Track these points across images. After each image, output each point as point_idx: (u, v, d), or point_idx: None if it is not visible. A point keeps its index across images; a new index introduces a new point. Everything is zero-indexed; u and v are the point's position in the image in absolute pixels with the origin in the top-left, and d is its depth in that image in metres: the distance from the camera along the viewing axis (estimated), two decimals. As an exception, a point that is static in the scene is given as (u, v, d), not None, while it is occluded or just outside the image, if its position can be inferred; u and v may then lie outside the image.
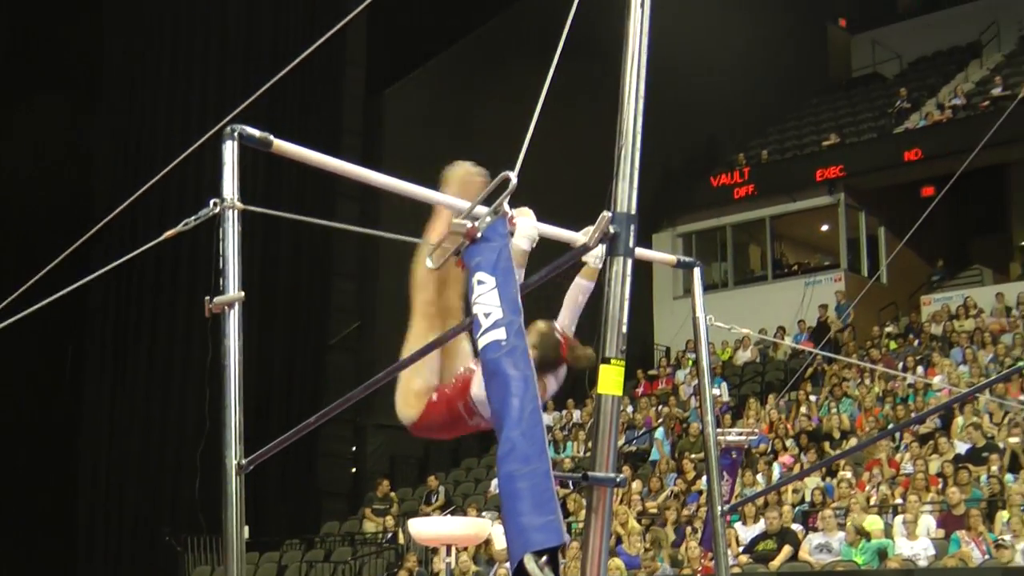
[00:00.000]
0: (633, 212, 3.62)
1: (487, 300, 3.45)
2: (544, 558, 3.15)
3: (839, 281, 28.85)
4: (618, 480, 3.51)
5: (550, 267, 4.11)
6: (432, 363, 5.76)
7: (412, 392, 5.82)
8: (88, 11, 27.94)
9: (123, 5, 28.04)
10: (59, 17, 27.33)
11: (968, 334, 24.07)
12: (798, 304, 28.29)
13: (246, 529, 4.99)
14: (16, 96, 26.95)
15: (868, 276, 28.67)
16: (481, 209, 3.55)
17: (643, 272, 26.48)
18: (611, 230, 3.59)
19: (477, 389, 5.50)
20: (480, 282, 3.48)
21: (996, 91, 29.20)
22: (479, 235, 3.51)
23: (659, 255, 7.87)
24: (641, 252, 5.55)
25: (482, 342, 3.43)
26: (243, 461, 4.89)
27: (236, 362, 4.93)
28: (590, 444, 4.11)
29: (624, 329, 3.56)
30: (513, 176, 3.46)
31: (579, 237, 5.13)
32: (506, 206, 3.51)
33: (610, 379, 3.50)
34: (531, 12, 27.49)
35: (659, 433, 23.54)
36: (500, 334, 3.42)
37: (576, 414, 25.45)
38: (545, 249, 5.09)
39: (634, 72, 3.72)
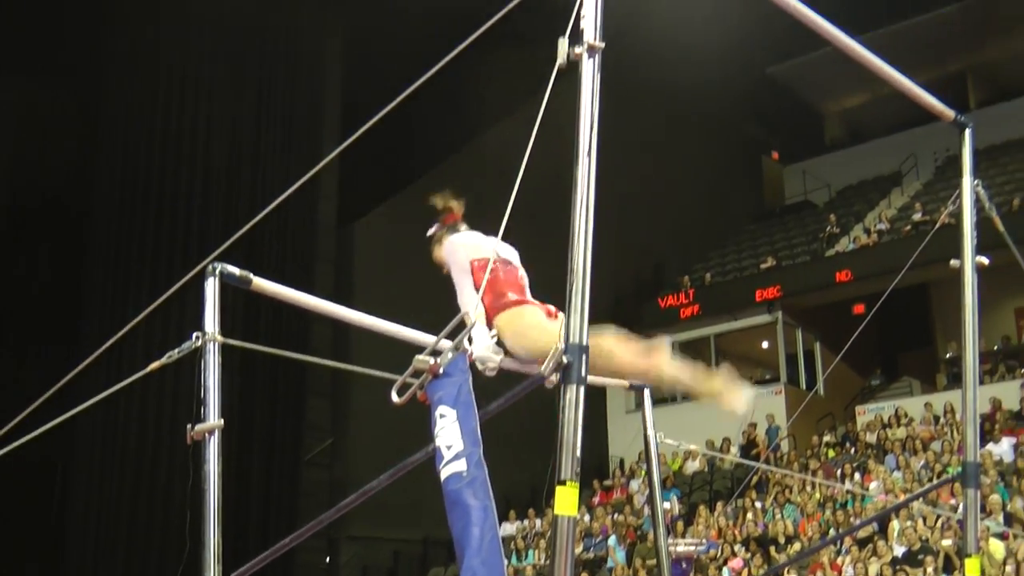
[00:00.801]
0: (585, 343, 3.63)
1: (449, 433, 3.46)
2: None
3: (779, 394, 28.88)
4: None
5: (509, 395, 4.11)
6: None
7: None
8: (78, 150, 28.08)
9: (111, 144, 28.15)
10: (51, 155, 27.45)
11: (900, 442, 24.10)
12: (742, 416, 28.26)
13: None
14: (14, 228, 27.00)
15: (806, 389, 28.76)
16: (444, 343, 3.57)
17: (599, 390, 26.48)
18: (565, 360, 3.60)
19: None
20: (442, 415, 3.50)
21: (916, 216, 29.50)
22: (441, 371, 3.53)
23: (611, 381, 7.87)
24: (594, 378, 5.55)
25: (444, 473, 3.44)
26: (223, 581, 4.84)
27: (215, 486, 4.90)
28: (550, 553, 4.07)
29: (578, 453, 3.55)
30: (473, 315, 3.48)
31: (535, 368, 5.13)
32: (466, 343, 3.53)
33: (566, 501, 3.50)
34: (491, 146, 27.69)
35: (612, 540, 23.40)
36: (461, 466, 3.43)
37: (537, 523, 25.29)
38: (506, 377, 5.10)
39: (582, 215, 3.75)
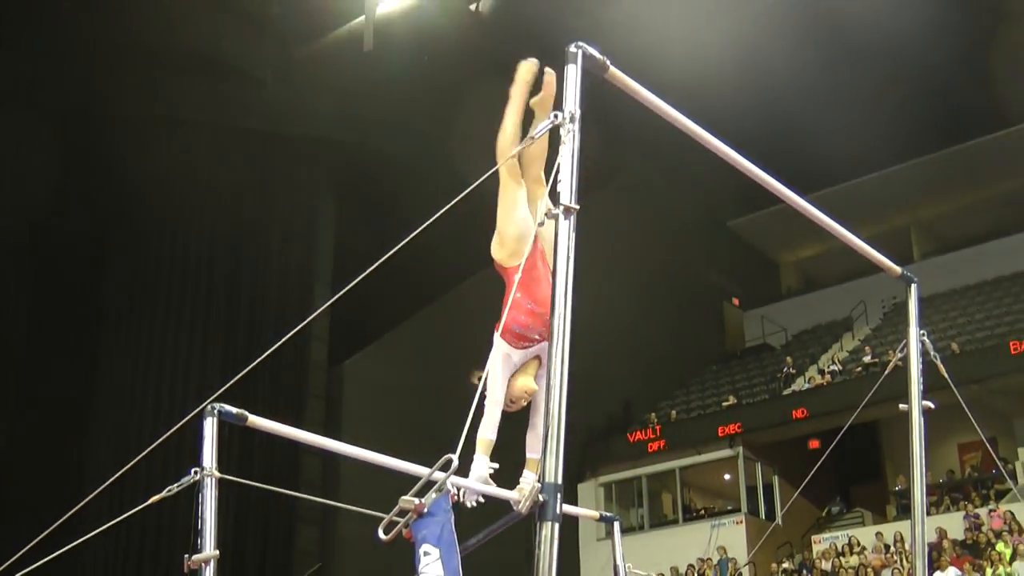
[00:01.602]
0: (560, 483, 3.60)
1: (432, 570, 3.42)
2: None
3: (740, 524, 28.68)
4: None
5: (488, 530, 4.07)
6: (523, 212, 5.70)
7: (508, 236, 5.72)
8: (90, 294, 28.12)
9: (119, 290, 28.23)
10: (63, 304, 27.47)
11: (854, 569, 23.89)
12: (706, 544, 28.06)
13: None
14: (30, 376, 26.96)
15: (766, 519, 28.56)
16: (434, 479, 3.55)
17: (572, 519, 26.24)
18: (541, 498, 3.57)
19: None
20: (426, 553, 3.46)
21: (866, 359, 29.58)
22: (425, 510, 3.49)
23: (584, 511, 7.90)
24: (569, 509, 5.50)
25: (428, 609, 3.40)
26: None
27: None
28: None
29: (554, 587, 3.51)
30: (455, 459, 3.46)
31: (515, 495, 5.08)
32: (449, 484, 3.50)
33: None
34: (470, 294, 27.80)
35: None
36: (444, 602, 3.39)
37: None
38: (489, 511, 5.06)
39: (558, 360, 3.74)
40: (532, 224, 5.37)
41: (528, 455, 5.40)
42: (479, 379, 5.02)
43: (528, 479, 3.81)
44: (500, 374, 5.32)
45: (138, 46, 25.49)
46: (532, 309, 5.41)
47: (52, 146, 26.69)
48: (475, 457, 5.16)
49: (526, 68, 5.63)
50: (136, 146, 26.91)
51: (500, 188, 5.76)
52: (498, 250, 5.80)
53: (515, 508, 4.64)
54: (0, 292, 27.01)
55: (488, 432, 5.26)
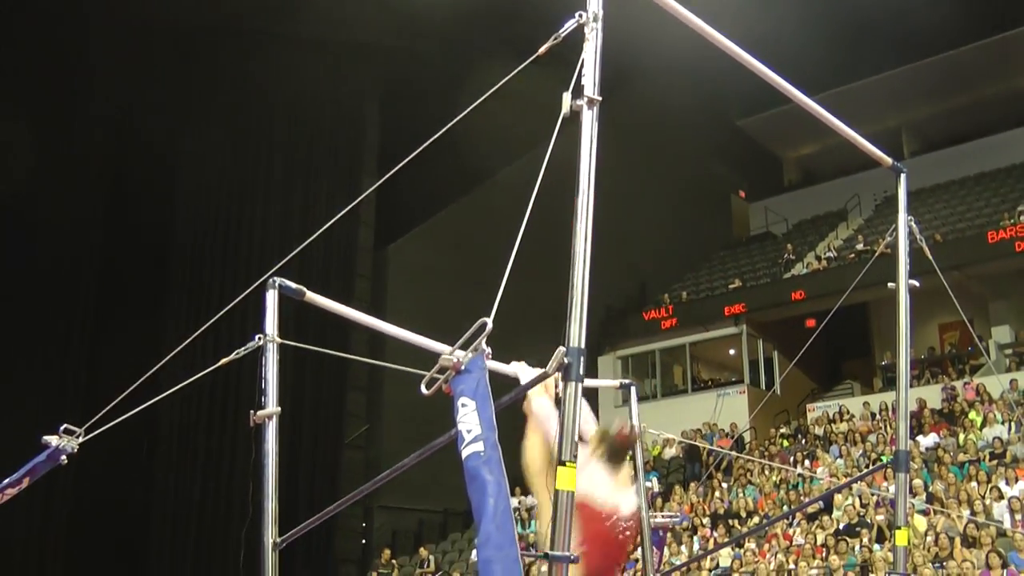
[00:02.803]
0: (582, 347, 3.64)
1: (469, 419, 3.48)
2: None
3: (743, 394, 28.85)
4: (572, 558, 3.50)
5: (517, 389, 4.12)
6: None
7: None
8: (165, 190, 28.34)
9: (191, 179, 28.43)
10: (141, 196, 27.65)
11: (843, 434, 24.04)
12: (711, 411, 28.26)
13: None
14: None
15: (766, 389, 28.71)
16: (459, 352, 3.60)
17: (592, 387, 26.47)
18: (565, 361, 3.61)
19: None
20: (463, 404, 3.51)
21: (859, 246, 29.47)
22: (463, 368, 3.54)
23: (605, 382, 7.98)
24: (591, 382, 5.54)
25: (465, 452, 3.45)
26: (278, 539, 4.87)
27: (273, 462, 4.92)
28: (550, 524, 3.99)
29: (576, 438, 3.56)
30: (489, 321, 3.50)
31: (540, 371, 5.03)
32: (483, 344, 3.54)
33: (566, 478, 3.51)
34: (507, 181, 27.79)
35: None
36: (479, 447, 3.44)
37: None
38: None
39: (582, 239, 3.77)
40: None
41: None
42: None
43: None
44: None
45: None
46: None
47: (123, 60, 26.78)
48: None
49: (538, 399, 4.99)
50: (200, 56, 26.93)
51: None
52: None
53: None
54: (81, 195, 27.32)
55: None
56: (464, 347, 3.58)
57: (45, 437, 4.95)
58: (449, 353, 3.60)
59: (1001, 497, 18.03)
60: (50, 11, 25.09)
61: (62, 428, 4.98)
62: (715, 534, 20.33)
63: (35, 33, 25.46)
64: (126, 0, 24.86)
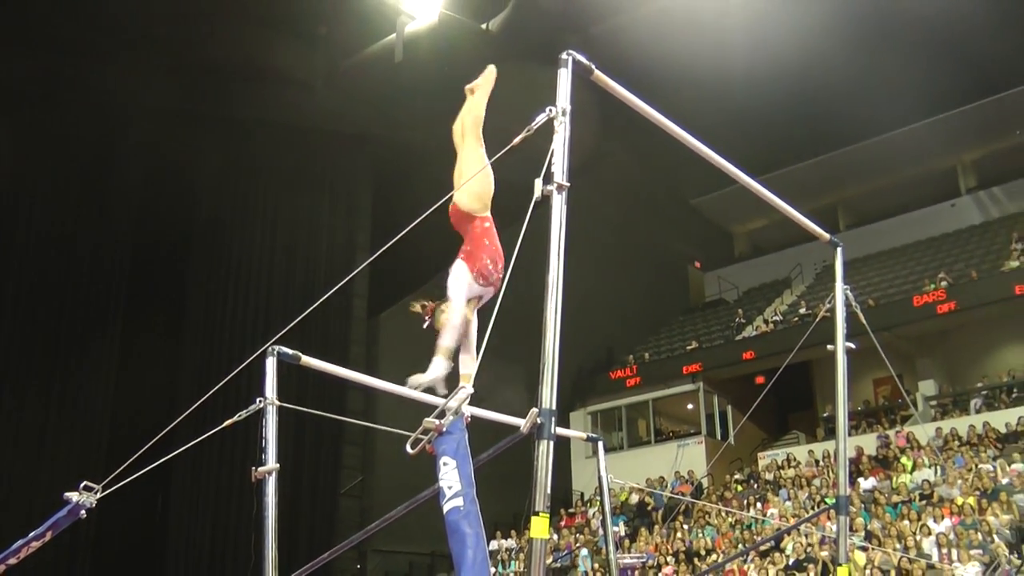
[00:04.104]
0: (553, 408, 3.61)
1: (450, 477, 3.46)
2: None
3: (701, 444, 28.76)
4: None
5: (495, 448, 4.08)
6: (480, 190, 5.75)
7: (483, 192, 5.80)
8: (178, 258, 28.31)
9: (202, 248, 28.44)
10: (160, 268, 27.65)
11: (791, 479, 23.97)
12: (673, 461, 28.17)
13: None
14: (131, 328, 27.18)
15: (721, 440, 28.64)
16: (449, 409, 3.57)
17: (564, 440, 26.40)
18: (538, 421, 3.58)
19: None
20: (445, 463, 3.49)
21: (802, 311, 29.59)
22: (444, 430, 3.51)
23: (574, 433, 7.92)
24: (561, 431, 5.51)
25: (446, 507, 3.43)
26: (277, 586, 4.80)
27: (272, 513, 4.86)
28: (527, 564, 4.05)
29: (549, 490, 3.52)
30: (469, 388, 3.47)
31: (517, 421, 5.06)
32: (464, 410, 3.52)
33: (539, 527, 3.46)
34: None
35: (584, 552, 23.09)
36: (459, 502, 3.41)
37: (519, 541, 25.04)
38: (497, 430, 5.09)
39: (553, 309, 3.74)
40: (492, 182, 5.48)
41: (462, 371, 5.41)
42: (422, 307, 5.21)
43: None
44: (463, 294, 5.42)
45: (209, 60, 25.52)
46: (493, 256, 5.46)
47: (141, 148, 26.94)
48: (433, 360, 5.22)
49: (491, 71, 6.22)
50: (210, 144, 27.06)
51: (467, 149, 5.78)
52: (471, 201, 5.75)
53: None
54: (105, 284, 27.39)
55: (448, 340, 5.25)
56: (444, 412, 3.56)
57: (66, 494, 4.89)
58: (431, 417, 3.58)
59: (930, 533, 18.03)
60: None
61: (82, 485, 4.91)
62: (677, 571, 20.16)
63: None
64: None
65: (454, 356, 5.25)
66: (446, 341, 5.22)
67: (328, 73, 26.65)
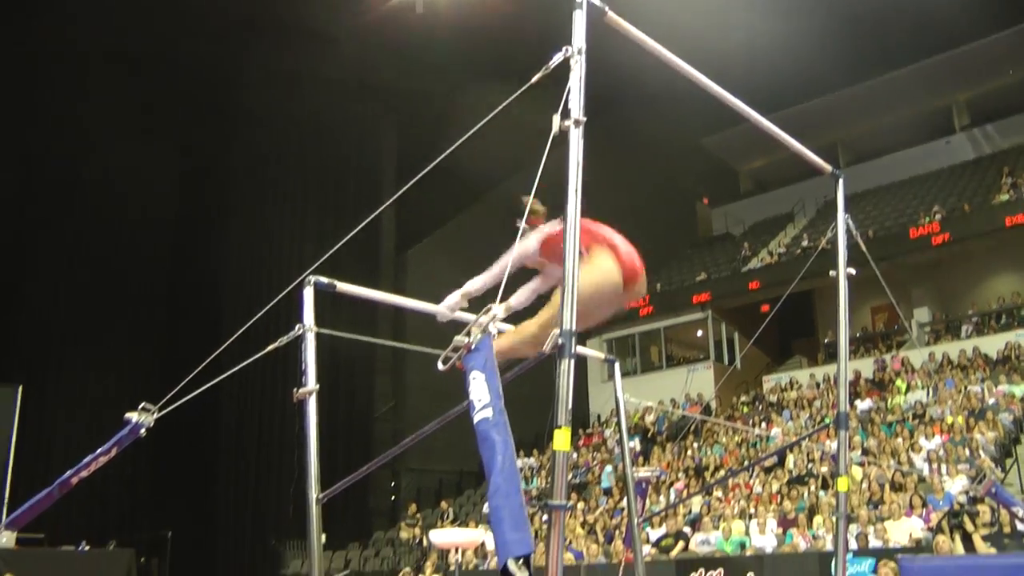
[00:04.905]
0: (573, 329, 3.63)
1: (479, 390, 3.49)
2: (520, 561, 3.15)
3: (709, 368, 28.87)
4: (567, 506, 3.49)
5: (521, 366, 4.11)
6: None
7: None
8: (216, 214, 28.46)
9: (244, 198, 28.55)
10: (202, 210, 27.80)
11: (793, 401, 24.08)
12: (683, 384, 28.27)
13: (323, 536, 4.98)
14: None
15: (728, 364, 28.72)
16: (475, 329, 3.60)
17: (581, 364, 26.54)
18: (560, 341, 3.60)
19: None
20: (474, 378, 3.52)
21: (804, 243, 29.50)
22: (473, 346, 3.54)
23: (592, 352, 7.90)
24: (581, 350, 5.53)
25: (476, 418, 3.46)
26: (320, 495, 4.88)
27: (314, 432, 4.93)
28: (549, 480, 4.09)
29: (570, 406, 3.55)
30: (495, 307, 3.50)
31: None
32: (491, 328, 3.54)
33: (561, 440, 3.49)
34: (506, 192, 27.75)
35: (608, 469, 23.24)
36: (488, 413, 3.44)
37: (541, 459, 25.28)
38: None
39: (572, 240, 3.75)
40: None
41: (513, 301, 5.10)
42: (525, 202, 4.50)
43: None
44: (517, 255, 4.82)
45: (240, 15, 25.49)
46: (558, 254, 5.04)
47: (189, 104, 27.00)
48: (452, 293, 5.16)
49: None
50: (251, 96, 27.19)
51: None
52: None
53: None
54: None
55: (474, 284, 5.02)
56: (473, 330, 3.59)
57: (127, 414, 4.99)
58: (461, 335, 3.61)
59: (921, 450, 18.12)
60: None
61: (140, 406, 5.01)
62: (689, 485, 20.34)
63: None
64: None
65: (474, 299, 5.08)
66: (470, 283, 5.09)
67: (352, 26, 26.50)
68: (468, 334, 3.61)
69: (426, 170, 4.97)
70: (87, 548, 20.00)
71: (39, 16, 24.03)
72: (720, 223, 37.83)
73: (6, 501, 20.22)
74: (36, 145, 26.58)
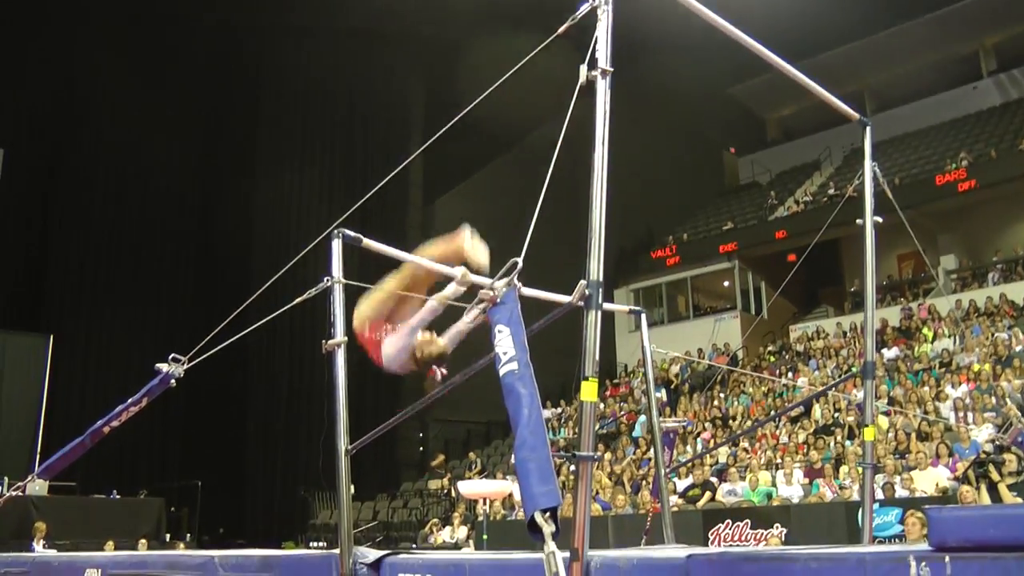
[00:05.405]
0: (600, 279, 3.61)
1: (504, 343, 3.47)
2: (547, 513, 3.16)
3: (736, 318, 28.80)
4: (595, 457, 3.49)
5: (547, 318, 4.10)
6: (386, 306, 6.03)
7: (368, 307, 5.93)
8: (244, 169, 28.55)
9: (272, 145, 28.57)
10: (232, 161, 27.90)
11: (820, 350, 24.00)
12: (710, 334, 28.23)
13: (351, 487, 5.01)
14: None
15: (755, 314, 28.64)
16: (499, 283, 3.59)
17: (608, 315, 26.53)
18: (586, 292, 3.59)
19: (386, 350, 5.91)
20: (499, 331, 3.50)
21: (830, 191, 29.25)
22: (498, 300, 3.52)
23: (618, 307, 7.89)
24: (607, 306, 5.51)
25: (502, 371, 3.46)
26: (349, 447, 4.91)
27: (342, 383, 4.95)
28: (577, 430, 4.10)
29: (597, 356, 3.54)
30: (520, 261, 3.48)
31: (564, 298, 5.09)
32: (516, 281, 3.52)
33: (589, 390, 3.49)
34: (534, 142, 27.66)
35: (641, 419, 23.26)
36: (514, 366, 3.43)
37: (567, 409, 25.37)
38: (543, 307, 5.11)
39: (598, 190, 3.72)
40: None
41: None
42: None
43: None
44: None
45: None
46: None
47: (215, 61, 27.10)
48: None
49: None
50: (276, 50, 27.15)
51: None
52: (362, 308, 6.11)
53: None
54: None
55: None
56: (497, 284, 3.57)
57: (157, 364, 5.04)
58: (487, 288, 3.59)
59: (947, 398, 18.04)
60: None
61: (171, 357, 5.06)
62: (715, 435, 20.36)
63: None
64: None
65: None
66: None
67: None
68: (492, 288, 3.59)
69: (453, 120, 4.95)
70: (118, 497, 20.31)
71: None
72: (747, 172, 37.55)
73: (39, 449, 20.54)
74: (68, 96, 26.69)
